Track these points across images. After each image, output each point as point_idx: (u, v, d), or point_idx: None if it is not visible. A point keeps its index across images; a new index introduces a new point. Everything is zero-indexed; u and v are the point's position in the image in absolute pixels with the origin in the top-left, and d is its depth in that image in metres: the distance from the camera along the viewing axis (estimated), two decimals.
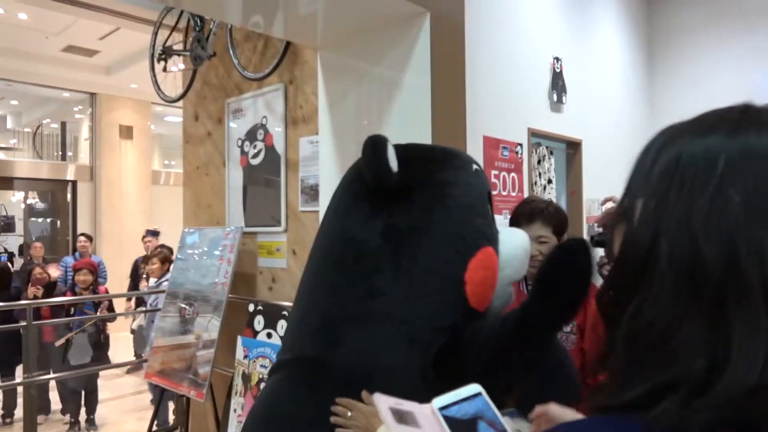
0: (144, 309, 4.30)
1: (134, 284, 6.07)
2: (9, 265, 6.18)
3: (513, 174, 2.89)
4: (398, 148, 1.05)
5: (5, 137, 12.32)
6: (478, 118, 2.58)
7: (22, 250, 9.22)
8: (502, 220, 2.35)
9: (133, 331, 5.55)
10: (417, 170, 1.05)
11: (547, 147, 3.30)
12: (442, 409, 0.61)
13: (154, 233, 5.80)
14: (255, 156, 3.32)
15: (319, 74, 2.56)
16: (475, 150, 2.54)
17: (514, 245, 1.03)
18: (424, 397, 0.64)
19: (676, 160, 0.49)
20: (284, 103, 3.12)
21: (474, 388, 0.66)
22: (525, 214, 1.83)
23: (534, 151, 3.16)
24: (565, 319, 0.95)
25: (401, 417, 0.65)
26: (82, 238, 6.97)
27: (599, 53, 3.87)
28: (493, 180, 2.73)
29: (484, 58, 2.69)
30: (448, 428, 0.59)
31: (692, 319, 0.44)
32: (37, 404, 4.00)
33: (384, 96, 2.31)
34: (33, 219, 11.46)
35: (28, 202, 11.34)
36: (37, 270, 4.84)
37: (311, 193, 3.00)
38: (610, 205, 2.54)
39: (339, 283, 1.07)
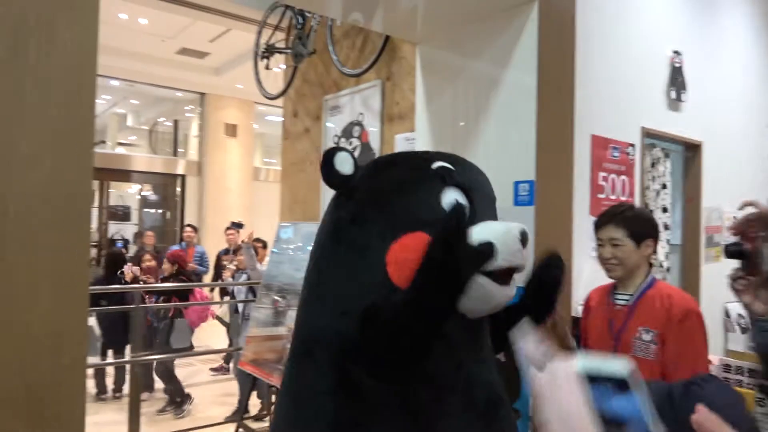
0: (244, 299, 4.45)
1: (217, 275, 6.33)
2: (123, 251, 6.66)
3: (623, 177, 2.67)
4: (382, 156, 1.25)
5: (126, 134, 13.39)
6: (586, 116, 2.39)
7: (136, 238, 9.95)
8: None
9: (220, 320, 5.74)
10: (367, 173, 1.18)
11: (662, 149, 3.02)
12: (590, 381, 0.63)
13: (238, 226, 5.97)
14: None
15: (418, 69, 2.49)
16: (581, 150, 2.37)
17: (475, 238, 1.04)
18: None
19: None
20: (381, 100, 3.09)
21: (622, 366, 0.63)
22: (602, 217, 1.86)
23: (647, 152, 2.91)
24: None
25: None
26: (188, 228, 7.38)
27: (725, 47, 3.50)
28: (601, 182, 2.53)
29: (594, 50, 2.50)
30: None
31: None
32: (142, 382, 4.27)
33: (484, 93, 2.20)
34: (146, 210, 12.35)
35: (143, 193, 12.23)
36: (146, 257, 5.16)
37: None
38: (748, 210, 2.27)
39: (308, 272, 1.26)
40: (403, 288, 1.03)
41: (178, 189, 10.94)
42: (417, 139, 2.52)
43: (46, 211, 1.08)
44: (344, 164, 1.15)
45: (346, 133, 3.37)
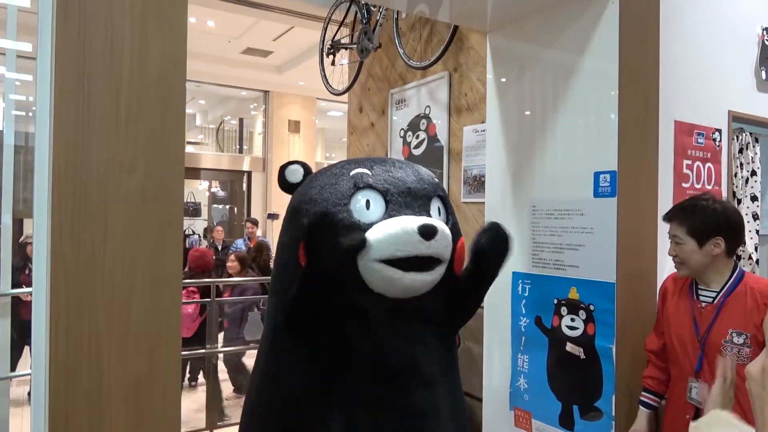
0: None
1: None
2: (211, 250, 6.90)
3: (709, 164, 2.52)
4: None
5: (194, 133, 13.92)
6: (668, 101, 2.27)
7: (206, 233, 10.34)
8: None
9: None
10: (305, 181, 1.41)
11: (751, 133, 2.83)
12: None
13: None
14: (417, 146, 3.30)
15: (489, 59, 2.43)
16: (664, 137, 2.24)
17: (371, 234, 1.22)
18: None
19: None
20: (448, 92, 3.05)
21: None
22: (669, 212, 1.77)
23: (735, 137, 2.73)
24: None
25: None
26: (248, 223, 7.61)
27: None
28: (685, 171, 2.39)
29: (678, 31, 2.36)
30: None
31: None
32: (216, 372, 4.42)
33: (560, 81, 2.12)
34: (215, 205, 12.80)
35: (212, 190, 12.69)
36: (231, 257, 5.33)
37: (474, 183, 2.90)
38: None
39: None
40: (310, 272, 1.24)
41: (244, 185, 11.28)
42: (488, 130, 2.47)
43: (142, 214, 1.13)
44: (294, 174, 1.41)
45: (413, 126, 3.35)
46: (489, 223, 1.40)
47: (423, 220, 1.23)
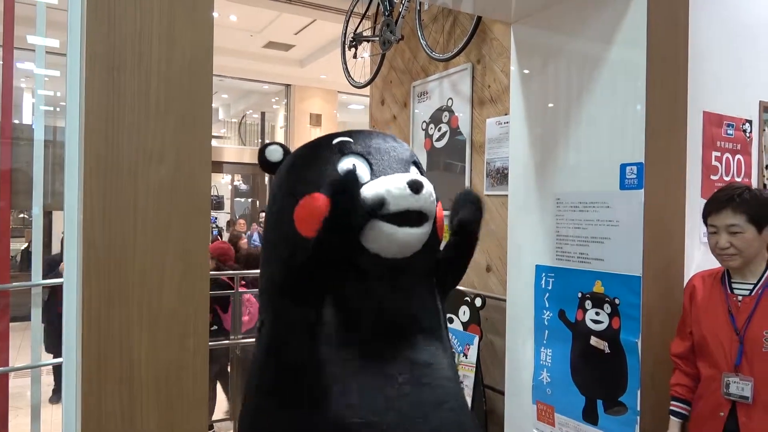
0: None
1: None
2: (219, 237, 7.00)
3: (738, 156, 2.46)
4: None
5: (217, 127, 14.06)
6: (697, 92, 2.22)
7: (229, 226, 10.45)
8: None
9: None
10: (288, 156, 1.46)
11: None
12: None
13: None
14: (439, 139, 3.29)
15: (513, 50, 2.41)
16: (693, 128, 2.20)
17: (367, 191, 1.27)
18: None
19: None
20: (471, 84, 3.03)
21: None
22: (714, 202, 1.71)
23: (766, 128, 2.66)
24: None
25: None
26: (262, 214, 7.68)
27: None
28: (714, 163, 2.35)
29: (707, 19, 2.31)
30: None
31: None
32: (242, 363, 4.49)
33: (586, 72, 2.09)
34: (237, 199, 12.93)
35: (234, 183, 12.81)
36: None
37: (497, 176, 2.88)
38: None
39: None
40: (311, 237, 1.27)
41: (266, 178, 11.36)
42: (511, 122, 2.45)
43: (171, 204, 1.14)
44: (273, 154, 1.47)
45: (435, 119, 3.33)
46: (462, 192, 1.51)
47: (410, 175, 1.30)
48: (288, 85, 10.72)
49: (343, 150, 1.36)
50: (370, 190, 1.27)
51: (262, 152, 1.48)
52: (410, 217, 1.28)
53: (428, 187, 1.30)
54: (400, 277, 1.39)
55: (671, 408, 1.83)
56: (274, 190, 1.47)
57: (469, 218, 1.47)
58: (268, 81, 10.74)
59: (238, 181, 13.02)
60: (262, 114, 12.96)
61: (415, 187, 1.26)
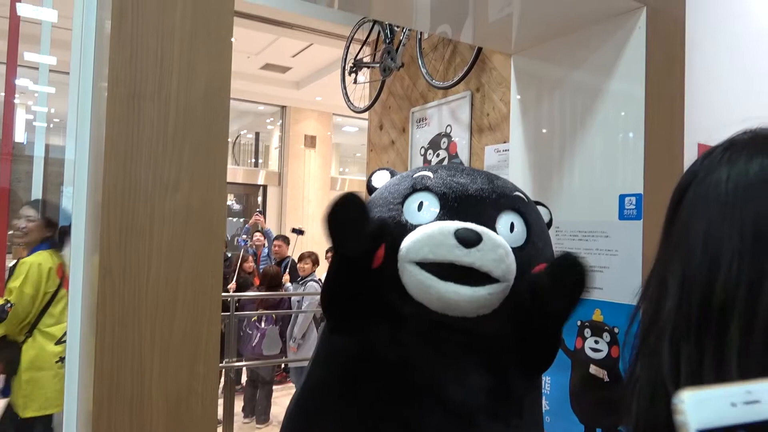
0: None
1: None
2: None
3: None
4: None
5: None
6: (691, 124, 2.28)
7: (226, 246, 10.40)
8: None
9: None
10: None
11: None
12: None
13: (299, 232, 6.04)
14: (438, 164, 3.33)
15: (513, 80, 2.46)
16: (689, 160, 2.25)
17: (411, 234, 1.18)
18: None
19: None
20: (470, 111, 3.08)
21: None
22: None
23: None
24: None
25: None
26: (256, 234, 7.61)
27: None
28: None
29: (703, 55, 2.38)
30: None
31: None
32: (234, 385, 4.44)
33: (585, 103, 2.15)
34: (230, 218, 12.89)
35: (227, 203, 12.77)
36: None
37: None
38: None
39: None
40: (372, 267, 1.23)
41: (260, 198, 11.36)
42: (511, 151, 2.49)
43: (185, 230, 1.16)
44: (378, 180, 1.47)
45: (434, 144, 3.38)
46: (562, 252, 1.15)
47: (467, 224, 1.11)
48: (283, 107, 10.79)
49: (416, 185, 1.26)
50: (415, 233, 1.15)
51: (370, 177, 1.51)
52: (459, 273, 1.10)
53: (493, 241, 1.09)
54: (445, 338, 1.19)
55: None
56: None
57: (538, 280, 1.13)
58: (264, 102, 10.80)
59: (232, 200, 13.00)
60: (257, 134, 13.01)
61: (466, 238, 1.08)
